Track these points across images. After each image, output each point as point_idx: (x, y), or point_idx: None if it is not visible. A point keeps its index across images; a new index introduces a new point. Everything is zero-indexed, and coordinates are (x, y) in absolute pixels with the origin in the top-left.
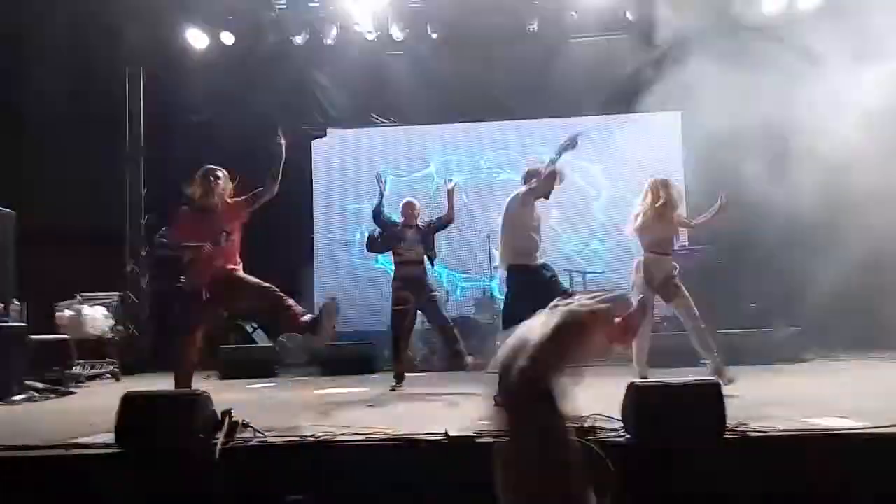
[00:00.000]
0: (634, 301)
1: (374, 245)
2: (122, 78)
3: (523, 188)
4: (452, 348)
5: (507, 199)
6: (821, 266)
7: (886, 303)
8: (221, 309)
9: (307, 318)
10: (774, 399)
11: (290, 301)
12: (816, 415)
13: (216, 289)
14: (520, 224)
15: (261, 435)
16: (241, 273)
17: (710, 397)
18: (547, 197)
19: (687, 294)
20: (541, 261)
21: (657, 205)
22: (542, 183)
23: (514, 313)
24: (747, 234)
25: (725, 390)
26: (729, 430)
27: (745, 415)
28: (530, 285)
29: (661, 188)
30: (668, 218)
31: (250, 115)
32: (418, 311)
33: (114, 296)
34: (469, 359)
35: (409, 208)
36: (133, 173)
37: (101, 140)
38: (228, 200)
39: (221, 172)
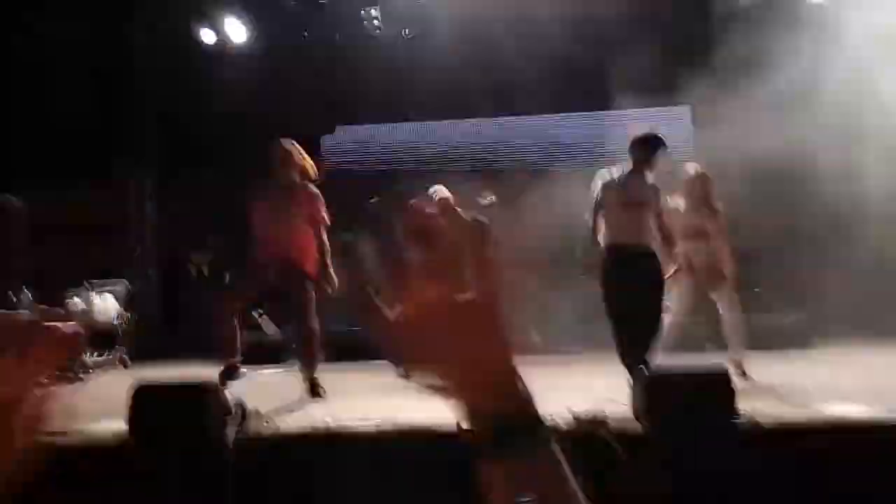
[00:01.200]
0: None
1: None
2: (133, 63)
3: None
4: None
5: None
6: (829, 253)
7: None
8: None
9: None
10: (784, 387)
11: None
12: (828, 402)
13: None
14: None
15: (274, 424)
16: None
17: (721, 384)
18: None
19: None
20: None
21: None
22: None
23: None
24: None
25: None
26: (741, 419)
27: (757, 403)
28: None
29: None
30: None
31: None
32: None
33: (122, 282)
34: None
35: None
36: (141, 160)
37: (110, 125)
38: (304, 183)
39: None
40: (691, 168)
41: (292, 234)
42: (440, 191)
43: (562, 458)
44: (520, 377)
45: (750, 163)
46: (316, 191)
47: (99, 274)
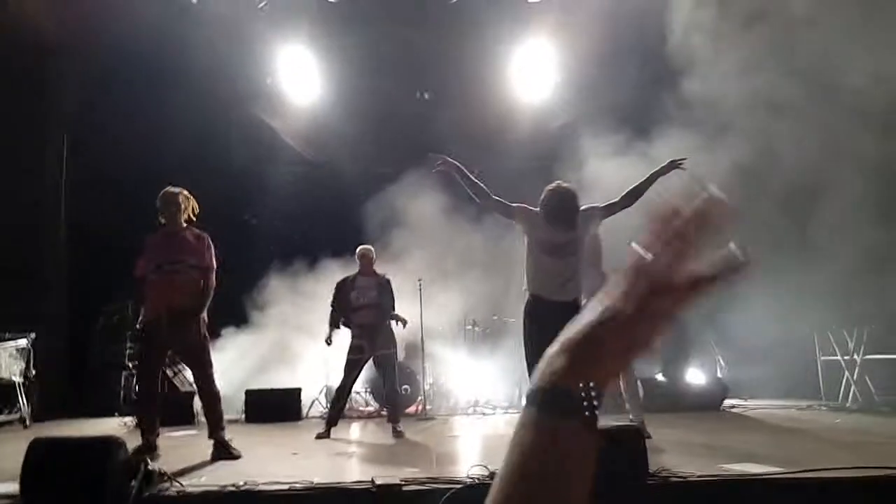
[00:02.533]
0: None
1: (332, 309)
2: (40, 109)
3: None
4: (392, 417)
5: None
6: (738, 315)
7: (799, 353)
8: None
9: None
10: (695, 446)
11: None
12: (735, 460)
13: (165, 324)
14: None
15: (178, 484)
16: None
17: (631, 442)
18: None
19: None
20: None
21: None
22: None
23: None
24: None
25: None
26: (651, 475)
27: (667, 460)
28: None
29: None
30: (599, 266)
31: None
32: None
33: (26, 337)
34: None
35: (362, 257)
36: (52, 208)
37: (18, 173)
38: (192, 229)
39: (183, 194)
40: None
41: (180, 283)
42: (364, 251)
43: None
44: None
45: None
46: (201, 235)
47: (5, 327)
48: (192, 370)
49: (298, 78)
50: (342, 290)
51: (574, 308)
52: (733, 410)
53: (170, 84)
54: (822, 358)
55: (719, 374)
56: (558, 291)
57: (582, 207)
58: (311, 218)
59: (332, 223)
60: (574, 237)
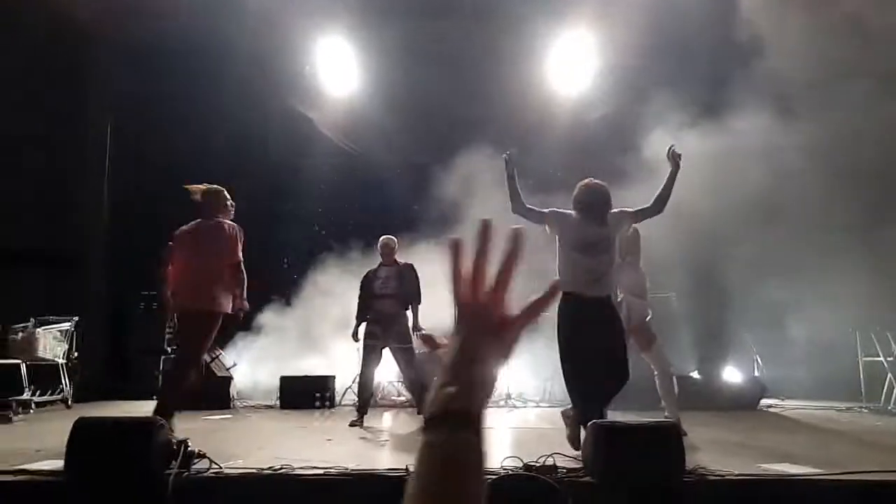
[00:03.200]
0: None
1: (360, 302)
2: (85, 95)
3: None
4: (419, 409)
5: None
6: (778, 314)
7: (840, 354)
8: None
9: None
10: (731, 444)
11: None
12: (773, 461)
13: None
14: None
15: (217, 466)
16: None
17: (669, 440)
18: None
19: (660, 341)
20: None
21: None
22: None
23: None
24: (708, 280)
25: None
26: (688, 473)
27: (703, 458)
28: None
29: (634, 236)
30: (637, 262)
31: (230, 139)
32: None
33: (69, 320)
34: None
35: (383, 247)
36: (95, 193)
37: (62, 158)
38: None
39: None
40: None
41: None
42: (387, 240)
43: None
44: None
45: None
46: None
47: (47, 309)
48: None
49: (336, 69)
50: (367, 282)
51: (607, 304)
52: (771, 410)
53: (210, 73)
54: (864, 358)
55: (756, 373)
56: (592, 288)
57: (613, 210)
58: (345, 209)
59: (367, 213)
60: (606, 234)
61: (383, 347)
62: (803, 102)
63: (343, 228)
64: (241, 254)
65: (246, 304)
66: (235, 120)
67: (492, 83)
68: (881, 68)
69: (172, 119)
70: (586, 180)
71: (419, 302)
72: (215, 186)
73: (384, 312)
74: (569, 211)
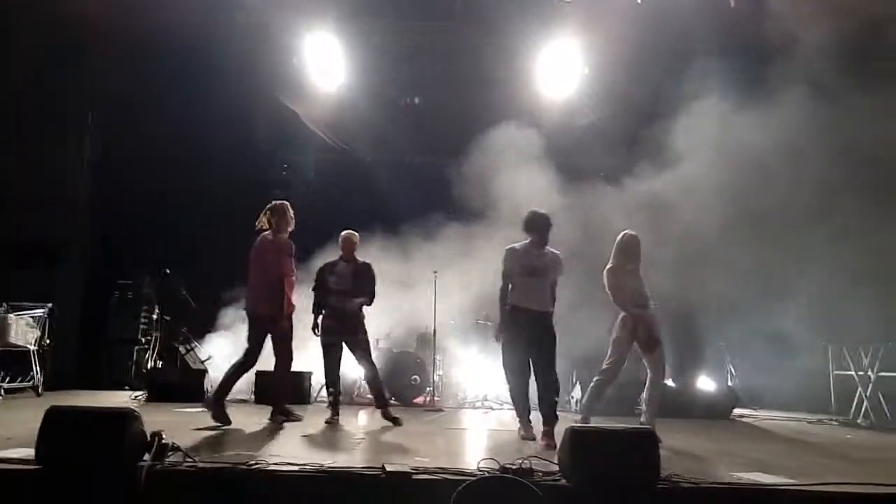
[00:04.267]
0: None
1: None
2: (69, 87)
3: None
4: (378, 402)
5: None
6: (751, 324)
7: (811, 366)
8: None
9: None
10: (705, 452)
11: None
12: (746, 469)
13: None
14: None
15: (191, 459)
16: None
17: (645, 446)
18: None
19: (662, 348)
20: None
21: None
22: None
23: None
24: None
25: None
26: (662, 480)
27: (678, 466)
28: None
29: (635, 243)
30: (637, 269)
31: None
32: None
33: (43, 307)
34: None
35: (345, 241)
36: (75, 183)
37: (43, 148)
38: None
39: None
40: (628, 233)
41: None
42: (348, 235)
43: None
44: None
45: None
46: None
47: (21, 296)
48: None
49: (324, 64)
50: (321, 275)
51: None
52: (744, 420)
53: (197, 68)
54: (835, 372)
55: (730, 383)
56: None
57: (553, 250)
58: (330, 203)
59: (352, 209)
60: (545, 262)
61: (342, 342)
62: (788, 108)
63: (327, 222)
64: (289, 265)
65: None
66: (222, 113)
67: (479, 83)
68: None
69: (157, 112)
70: (532, 209)
71: (370, 303)
72: (277, 203)
73: (338, 308)
74: (517, 244)
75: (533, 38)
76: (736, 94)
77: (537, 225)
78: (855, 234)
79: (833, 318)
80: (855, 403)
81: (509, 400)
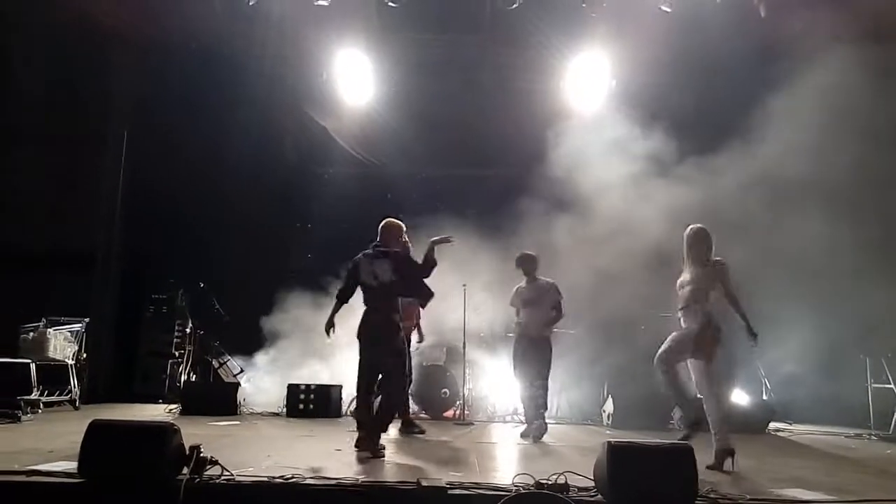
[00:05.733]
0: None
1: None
2: (103, 98)
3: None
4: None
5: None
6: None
7: (849, 380)
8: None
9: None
10: (742, 468)
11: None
12: (784, 485)
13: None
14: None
15: (229, 473)
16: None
17: (682, 461)
18: None
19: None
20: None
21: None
22: None
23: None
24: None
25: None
26: (700, 496)
27: (714, 481)
28: None
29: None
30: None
31: (245, 145)
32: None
33: (80, 321)
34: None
35: (385, 231)
36: (108, 196)
37: (77, 161)
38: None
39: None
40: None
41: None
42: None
43: None
44: None
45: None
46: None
47: (58, 310)
48: None
49: (353, 79)
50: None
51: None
52: (779, 434)
53: (226, 82)
54: (874, 385)
55: (765, 397)
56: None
57: (549, 280)
58: (360, 218)
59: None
60: (538, 294)
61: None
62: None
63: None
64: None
65: None
66: (251, 127)
67: (507, 98)
68: None
69: (188, 124)
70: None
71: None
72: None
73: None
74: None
75: (562, 51)
76: (765, 106)
77: (523, 263)
78: (888, 248)
79: (872, 329)
80: (895, 418)
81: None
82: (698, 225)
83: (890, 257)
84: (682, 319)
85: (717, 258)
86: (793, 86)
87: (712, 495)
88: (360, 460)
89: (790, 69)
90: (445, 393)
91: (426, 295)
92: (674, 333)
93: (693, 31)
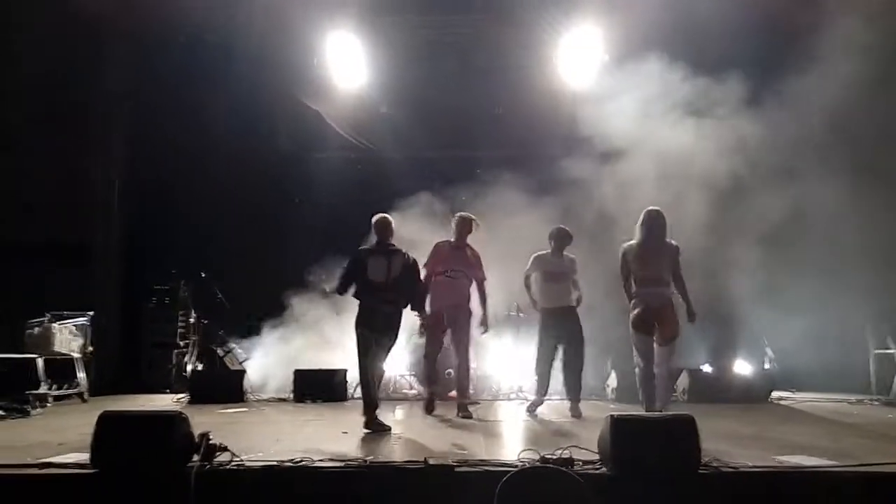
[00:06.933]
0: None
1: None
2: (100, 89)
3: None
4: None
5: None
6: (787, 305)
7: (850, 346)
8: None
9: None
10: (745, 437)
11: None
12: (787, 453)
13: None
14: None
15: (238, 458)
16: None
17: (685, 432)
18: None
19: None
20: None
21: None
22: None
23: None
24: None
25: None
26: (703, 465)
27: (718, 450)
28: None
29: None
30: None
31: (239, 133)
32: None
33: (85, 315)
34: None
35: (385, 228)
36: (109, 189)
37: (77, 153)
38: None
39: (474, 221)
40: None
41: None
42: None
43: None
44: None
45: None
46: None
47: (62, 304)
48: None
49: (345, 62)
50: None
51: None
52: (782, 403)
53: (218, 70)
54: (875, 351)
55: (767, 366)
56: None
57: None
58: (355, 202)
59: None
60: (566, 268)
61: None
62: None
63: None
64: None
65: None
66: (243, 113)
67: (501, 76)
68: None
69: (182, 113)
70: (556, 226)
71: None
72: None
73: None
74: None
75: (554, 26)
76: (759, 82)
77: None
78: (888, 215)
79: (871, 296)
80: (895, 382)
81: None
82: (655, 208)
83: (891, 225)
84: (640, 299)
85: (673, 241)
86: (784, 61)
87: (714, 464)
88: (368, 441)
89: (782, 44)
90: (450, 373)
91: (419, 303)
92: (637, 311)
93: (684, 7)
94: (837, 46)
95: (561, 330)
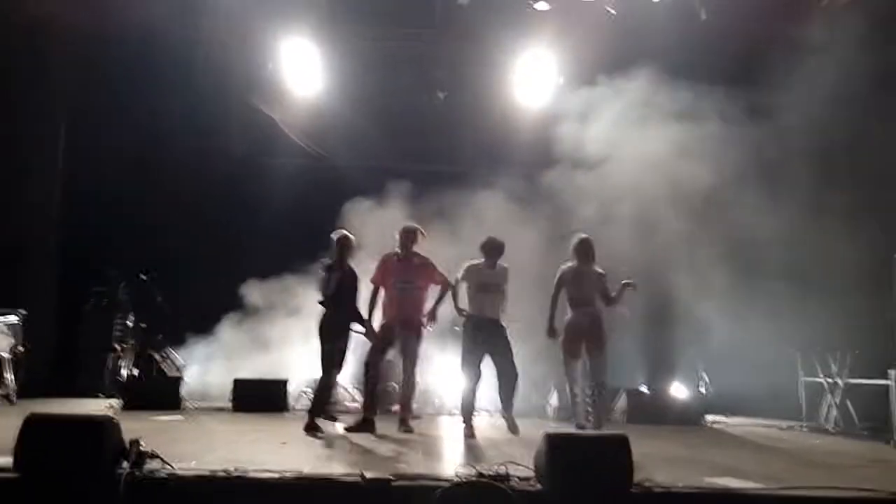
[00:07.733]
0: None
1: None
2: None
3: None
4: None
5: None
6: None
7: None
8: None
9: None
10: (677, 458)
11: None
12: (717, 474)
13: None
14: None
15: (170, 466)
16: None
17: (618, 451)
18: None
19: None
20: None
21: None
22: None
23: None
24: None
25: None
26: (635, 485)
27: (650, 471)
28: None
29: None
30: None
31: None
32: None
33: (17, 313)
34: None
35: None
36: (47, 187)
37: (14, 151)
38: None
39: (419, 231)
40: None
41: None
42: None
43: None
44: None
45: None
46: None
47: None
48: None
49: (300, 69)
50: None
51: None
52: (715, 426)
53: (168, 72)
54: (805, 379)
55: (702, 390)
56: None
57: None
58: (309, 210)
59: (330, 217)
60: (497, 279)
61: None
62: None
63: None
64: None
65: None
66: (194, 117)
67: (458, 90)
68: None
69: (129, 114)
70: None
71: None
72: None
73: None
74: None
75: (510, 46)
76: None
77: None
78: (820, 245)
79: (802, 325)
80: (825, 410)
81: (485, 406)
82: (584, 235)
83: (818, 257)
84: (572, 321)
85: (599, 269)
86: (735, 83)
87: (647, 484)
88: (306, 453)
89: (731, 69)
90: (392, 387)
91: (357, 316)
92: (568, 335)
93: (637, 33)
94: (794, 66)
95: (489, 342)
